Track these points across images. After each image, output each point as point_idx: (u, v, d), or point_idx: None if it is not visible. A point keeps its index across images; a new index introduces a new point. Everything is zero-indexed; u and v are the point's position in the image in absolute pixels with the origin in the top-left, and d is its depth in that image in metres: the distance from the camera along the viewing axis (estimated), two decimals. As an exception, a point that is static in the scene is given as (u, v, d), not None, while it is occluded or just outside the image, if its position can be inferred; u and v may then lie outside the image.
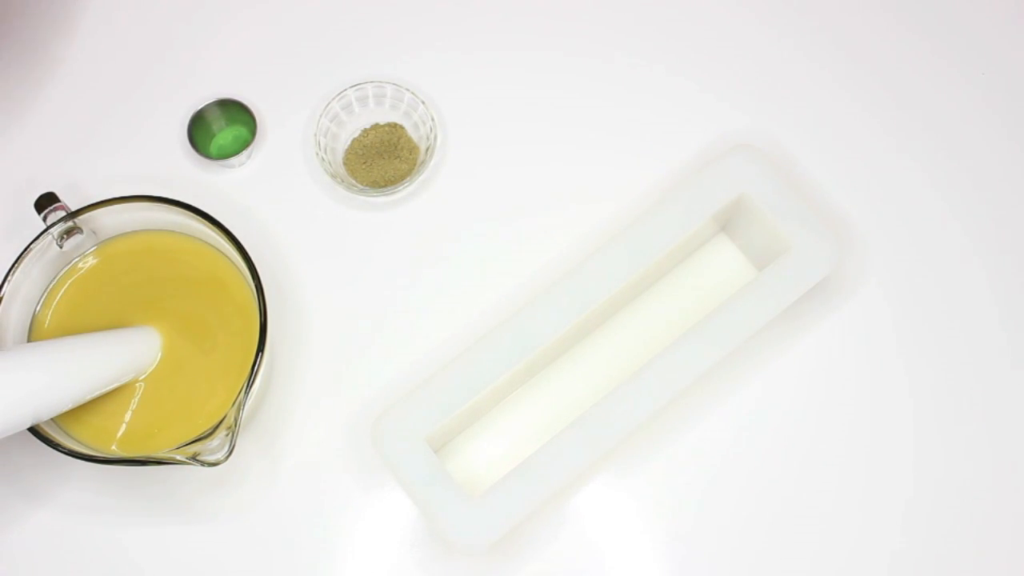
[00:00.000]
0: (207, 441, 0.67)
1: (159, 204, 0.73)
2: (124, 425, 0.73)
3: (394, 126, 0.85)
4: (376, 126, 0.85)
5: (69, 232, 0.74)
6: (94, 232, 0.76)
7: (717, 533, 0.77)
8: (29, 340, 0.74)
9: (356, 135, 0.85)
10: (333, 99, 0.83)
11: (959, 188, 0.84)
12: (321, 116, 0.83)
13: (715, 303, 0.77)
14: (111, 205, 0.73)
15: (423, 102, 0.83)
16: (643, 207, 0.83)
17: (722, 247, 0.82)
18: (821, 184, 0.84)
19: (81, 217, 0.73)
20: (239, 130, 0.85)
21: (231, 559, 0.76)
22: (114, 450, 0.72)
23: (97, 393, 0.70)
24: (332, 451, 0.78)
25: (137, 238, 0.77)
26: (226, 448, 0.67)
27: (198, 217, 0.73)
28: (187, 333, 0.75)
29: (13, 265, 0.72)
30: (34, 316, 0.75)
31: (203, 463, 0.67)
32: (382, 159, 0.84)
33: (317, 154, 0.82)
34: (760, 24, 0.88)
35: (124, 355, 0.72)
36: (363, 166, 0.84)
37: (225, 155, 0.84)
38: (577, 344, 0.79)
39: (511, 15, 0.88)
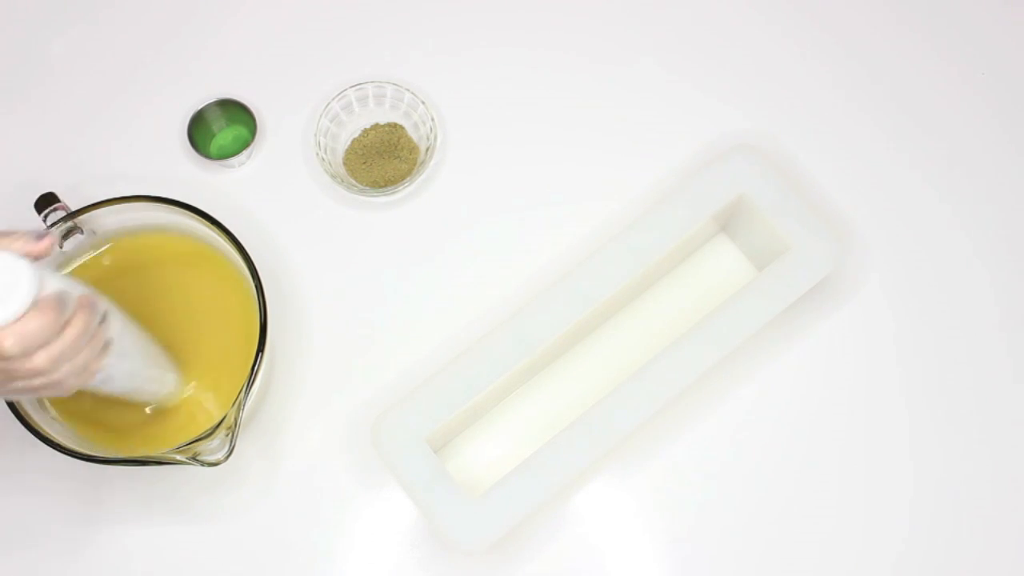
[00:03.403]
0: (207, 441, 0.67)
1: (159, 204, 0.73)
2: (125, 424, 0.73)
3: (394, 126, 0.85)
4: (376, 126, 0.85)
5: (69, 232, 0.74)
6: (94, 232, 0.75)
7: (717, 533, 0.77)
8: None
9: (356, 135, 0.85)
10: (333, 99, 0.83)
11: (959, 188, 0.85)
12: (321, 116, 0.83)
13: (715, 303, 0.77)
14: (111, 205, 0.73)
15: (423, 102, 0.83)
16: (643, 207, 0.83)
17: (722, 247, 0.82)
18: (821, 184, 0.84)
19: (81, 217, 0.73)
20: (239, 130, 0.85)
21: (231, 559, 0.76)
22: (114, 450, 0.72)
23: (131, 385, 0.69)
24: (332, 451, 0.78)
25: (137, 238, 0.77)
26: (226, 448, 0.67)
27: (198, 217, 0.73)
28: (187, 333, 0.75)
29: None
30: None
31: (203, 463, 0.67)
32: (382, 159, 0.84)
33: (317, 154, 0.82)
34: (761, 25, 0.88)
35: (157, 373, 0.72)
36: (363, 166, 0.84)
37: (225, 155, 0.84)
38: (577, 344, 0.79)
39: (511, 16, 0.88)
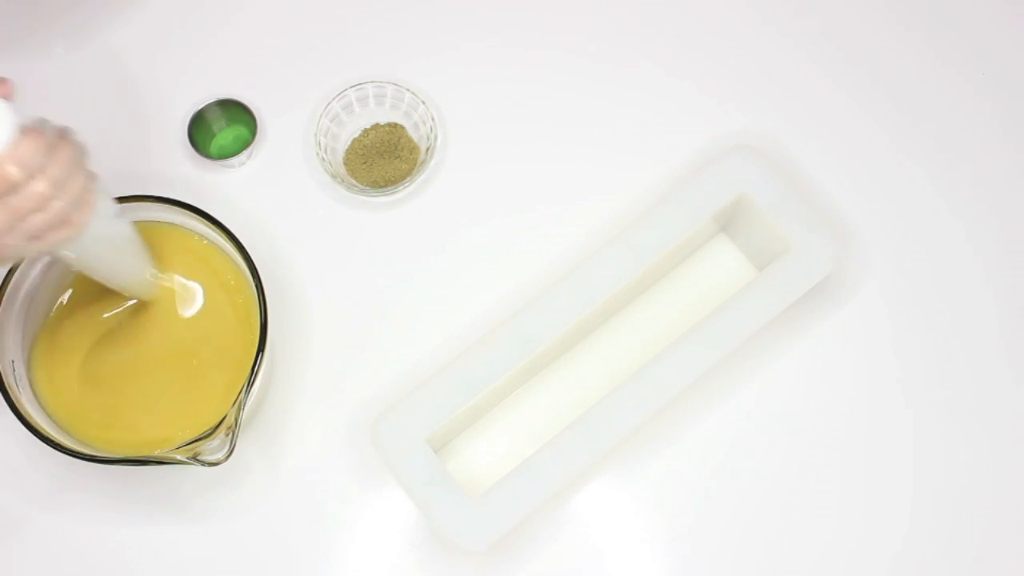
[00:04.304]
0: (207, 441, 0.67)
1: (159, 204, 0.73)
2: (125, 424, 0.73)
3: (394, 126, 0.85)
4: (376, 126, 0.85)
5: (69, 232, 0.74)
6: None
7: (716, 533, 0.77)
8: (28, 340, 0.74)
9: (356, 135, 0.85)
10: (333, 99, 0.83)
11: (959, 188, 0.85)
12: (321, 116, 0.83)
13: (715, 303, 0.77)
14: (111, 205, 0.73)
15: (423, 102, 0.83)
16: (643, 207, 0.83)
17: (722, 247, 0.82)
18: (821, 184, 0.84)
19: (81, 217, 0.73)
20: (239, 130, 0.85)
21: (231, 559, 0.76)
22: (114, 450, 0.72)
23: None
24: (332, 451, 0.78)
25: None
26: (226, 448, 0.67)
27: (198, 217, 0.73)
28: (187, 333, 0.75)
29: (14, 265, 0.72)
30: (34, 315, 0.75)
31: (203, 463, 0.67)
32: (382, 159, 0.84)
33: (317, 154, 0.82)
34: (761, 25, 0.88)
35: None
36: (363, 166, 0.84)
37: (225, 155, 0.84)
38: (577, 344, 0.79)
39: (511, 16, 0.88)
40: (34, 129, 0.57)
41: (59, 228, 0.59)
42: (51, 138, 0.58)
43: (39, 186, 0.56)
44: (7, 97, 0.58)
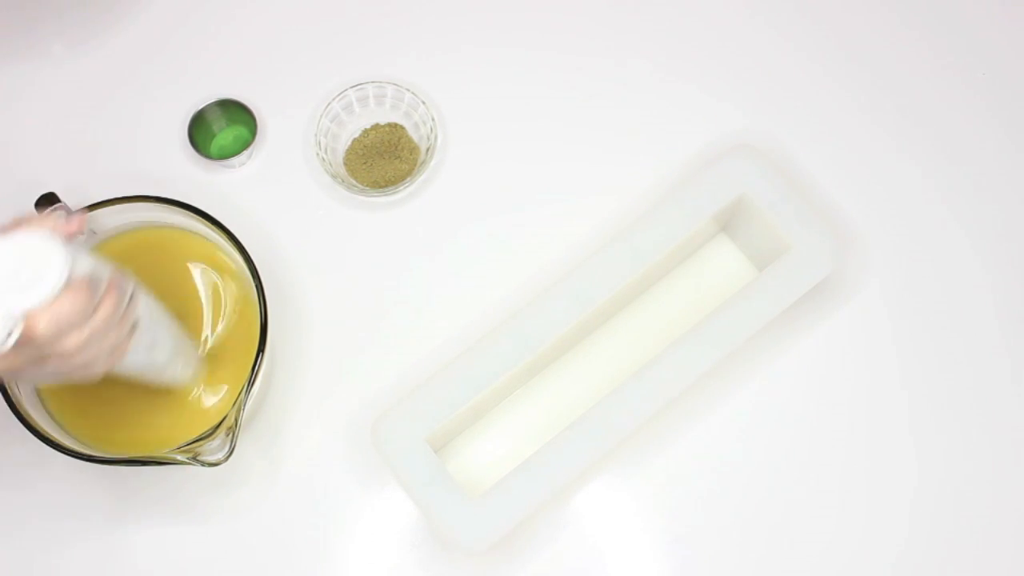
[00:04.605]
0: (207, 441, 0.67)
1: (159, 204, 0.73)
2: (126, 424, 0.73)
3: (394, 126, 0.85)
4: (376, 126, 0.85)
5: (69, 232, 0.74)
6: (94, 232, 0.75)
7: (717, 533, 0.77)
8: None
9: (356, 135, 0.85)
10: (334, 99, 0.83)
11: (959, 188, 0.85)
12: (322, 116, 0.83)
13: (715, 303, 0.77)
14: (111, 205, 0.73)
15: (423, 102, 0.83)
16: (643, 207, 0.83)
17: (722, 247, 0.82)
18: (821, 184, 0.84)
19: (81, 217, 0.73)
20: (239, 130, 0.85)
21: (231, 559, 0.76)
22: (115, 450, 0.72)
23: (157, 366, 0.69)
24: (332, 451, 0.78)
25: (137, 238, 0.77)
26: (226, 448, 0.67)
27: (198, 217, 0.73)
28: (187, 333, 0.75)
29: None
30: (34, 316, 0.75)
31: (203, 463, 0.67)
32: (383, 159, 0.84)
33: (317, 154, 0.82)
34: (761, 25, 0.88)
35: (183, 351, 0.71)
36: (363, 166, 0.84)
37: (225, 155, 0.84)
38: (578, 344, 0.79)
39: (512, 16, 0.88)
40: (81, 284, 0.54)
41: (83, 371, 0.57)
42: (96, 293, 0.55)
43: (68, 344, 0.54)
44: (71, 237, 0.55)
